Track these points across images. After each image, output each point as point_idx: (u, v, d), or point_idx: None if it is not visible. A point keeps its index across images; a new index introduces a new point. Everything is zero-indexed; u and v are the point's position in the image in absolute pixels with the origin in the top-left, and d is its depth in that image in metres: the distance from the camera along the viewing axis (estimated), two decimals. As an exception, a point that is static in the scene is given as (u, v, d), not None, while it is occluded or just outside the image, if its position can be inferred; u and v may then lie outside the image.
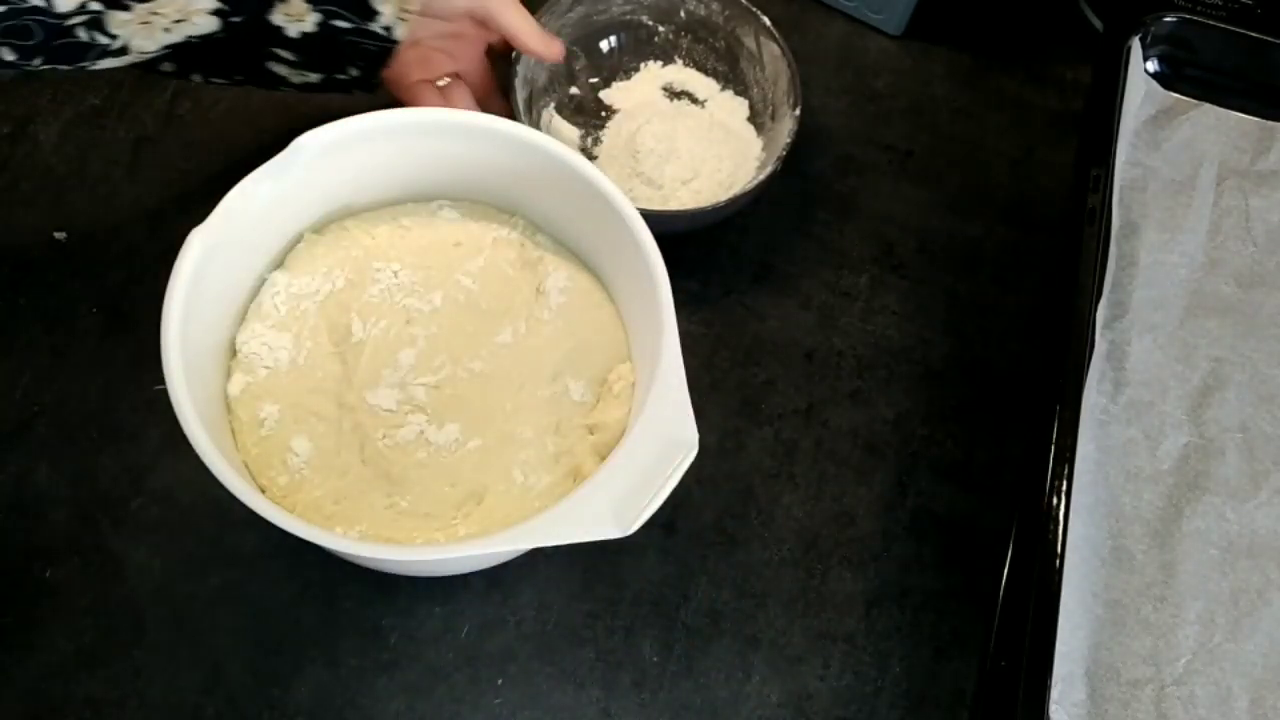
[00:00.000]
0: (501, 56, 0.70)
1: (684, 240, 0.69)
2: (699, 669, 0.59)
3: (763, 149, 0.72)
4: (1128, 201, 0.71)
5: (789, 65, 0.71)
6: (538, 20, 0.69)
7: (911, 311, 0.71)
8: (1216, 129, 0.75)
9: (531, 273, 0.61)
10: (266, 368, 0.57)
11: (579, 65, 0.75)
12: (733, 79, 0.75)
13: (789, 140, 0.68)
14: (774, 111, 0.73)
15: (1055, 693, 0.55)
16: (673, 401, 0.51)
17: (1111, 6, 0.80)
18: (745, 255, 0.71)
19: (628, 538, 0.55)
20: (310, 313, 0.58)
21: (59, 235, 0.66)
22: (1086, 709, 0.56)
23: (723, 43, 0.75)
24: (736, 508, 0.63)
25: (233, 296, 0.57)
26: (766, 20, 0.72)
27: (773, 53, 0.72)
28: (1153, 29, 0.77)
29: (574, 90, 0.75)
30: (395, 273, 0.60)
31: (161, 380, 0.49)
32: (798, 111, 0.69)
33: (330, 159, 0.57)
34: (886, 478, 0.65)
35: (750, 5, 0.72)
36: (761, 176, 0.67)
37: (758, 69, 0.74)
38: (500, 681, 0.58)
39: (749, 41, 0.73)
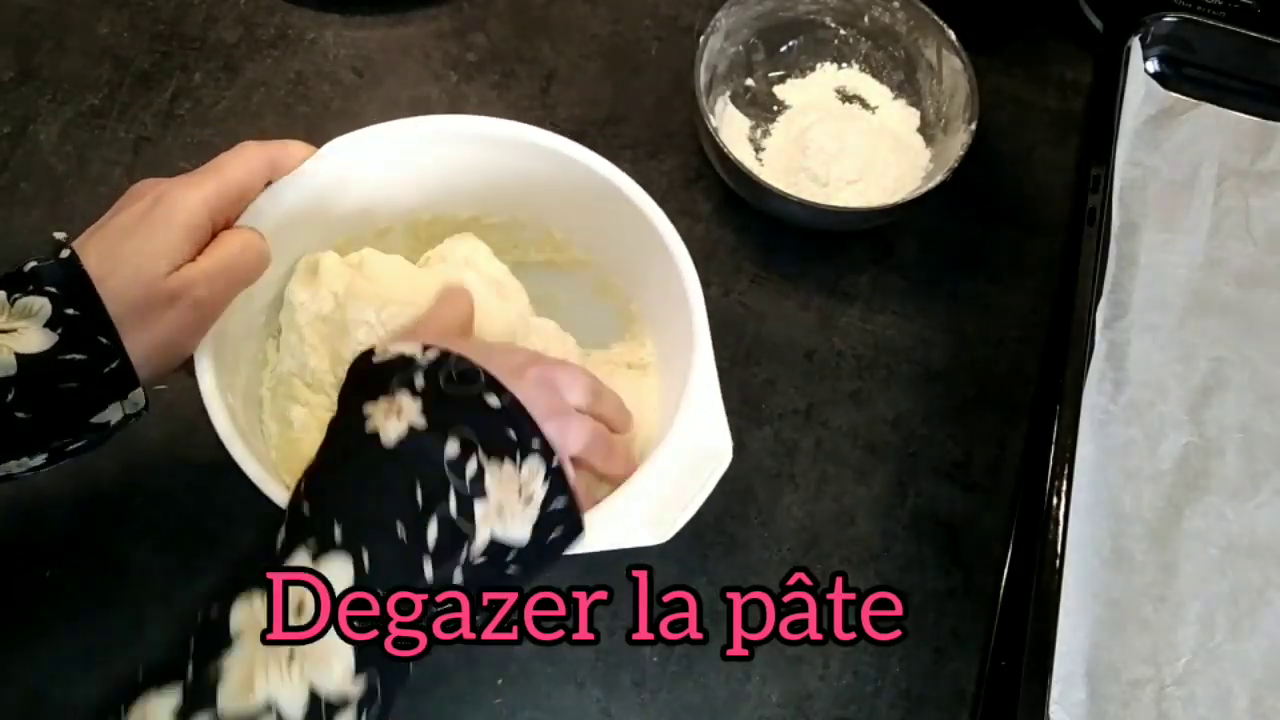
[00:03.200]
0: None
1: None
2: (699, 669, 0.59)
3: (930, 160, 0.73)
4: (1128, 201, 0.71)
5: (969, 80, 0.71)
6: (725, 11, 0.72)
7: (911, 311, 0.71)
8: (1216, 129, 0.75)
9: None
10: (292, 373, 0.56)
11: (758, 58, 0.76)
12: (907, 89, 0.76)
13: (961, 154, 0.68)
14: (946, 125, 0.73)
15: (1055, 693, 0.55)
16: (707, 411, 0.51)
17: (1111, 6, 0.80)
18: (745, 255, 0.71)
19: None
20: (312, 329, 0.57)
21: (59, 235, 0.66)
22: (1086, 709, 0.56)
23: (902, 52, 0.76)
24: (736, 508, 0.63)
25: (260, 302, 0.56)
26: (951, 34, 0.72)
27: (953, 66, 0.72)
28: (1153, 29, 0.77)
29: (749, 82, 0.77)
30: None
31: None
32: (973, 126, 0.69)
33: (357, 166, 0.56)
34: (886, 478, 0.65)
35: (936, 17, 0.73)
36: (930, 185, 0.68)
37: (935, 81, 0.74)
38: (500, 681, 0.57)
39: (929, 53, 0.74)
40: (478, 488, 0.42)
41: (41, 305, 0.43)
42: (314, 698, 0.36)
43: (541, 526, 0.44)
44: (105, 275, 0.44)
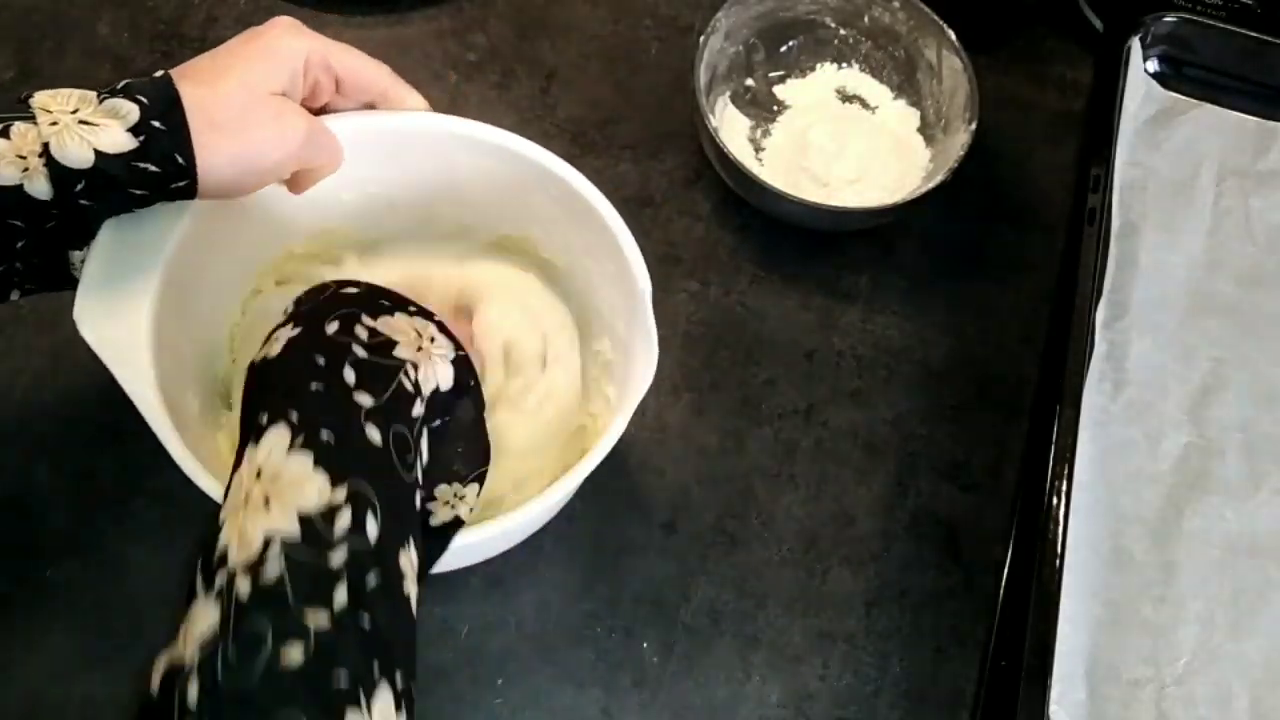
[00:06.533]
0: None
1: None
2: (699, 669, 0.59)
3: (930, 160, 0.73)
4: (1128, 201, 0.71)
5: (969, 80, 0.71)
6: (725, 11, 0.72)
7: (911, 311, 0.71)
8: (1216, 129, 0.75)
9: None
10: None
11: (758, 58, 0.76)
12: (907, 89, 0.76)
13: (961, 154, 0.68)
14: (946, 124, 0.73)
15: (1055, 693, 0.55)
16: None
17: (1111, 6, 0.80)
18: (745, 255, 0.71)
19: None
20: None
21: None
22: (1086, 709, 0.56)
23: (902, 52, 0.76)
24: (736, 508, 0.63)
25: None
26: (951, 34, 0.72)
27: (953, 66, 0.72)
28: (1153, 29, 0.77)
29: (749, 82, 0.77)
30: None
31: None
32: (973, 126, 0.69)
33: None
34: (886, 478, 0.65)
35: (936, 17, 0.73)
36: (930, 185, 0.68)
37: (935, 81, 0.74)
38: (500, 681, 0.57)
39: (929, 53, 0.74)
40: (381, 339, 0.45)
41: (130, 110, 0.44)
42: (304, 519, 0.38)
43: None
44: (214, 80, 0.46)
